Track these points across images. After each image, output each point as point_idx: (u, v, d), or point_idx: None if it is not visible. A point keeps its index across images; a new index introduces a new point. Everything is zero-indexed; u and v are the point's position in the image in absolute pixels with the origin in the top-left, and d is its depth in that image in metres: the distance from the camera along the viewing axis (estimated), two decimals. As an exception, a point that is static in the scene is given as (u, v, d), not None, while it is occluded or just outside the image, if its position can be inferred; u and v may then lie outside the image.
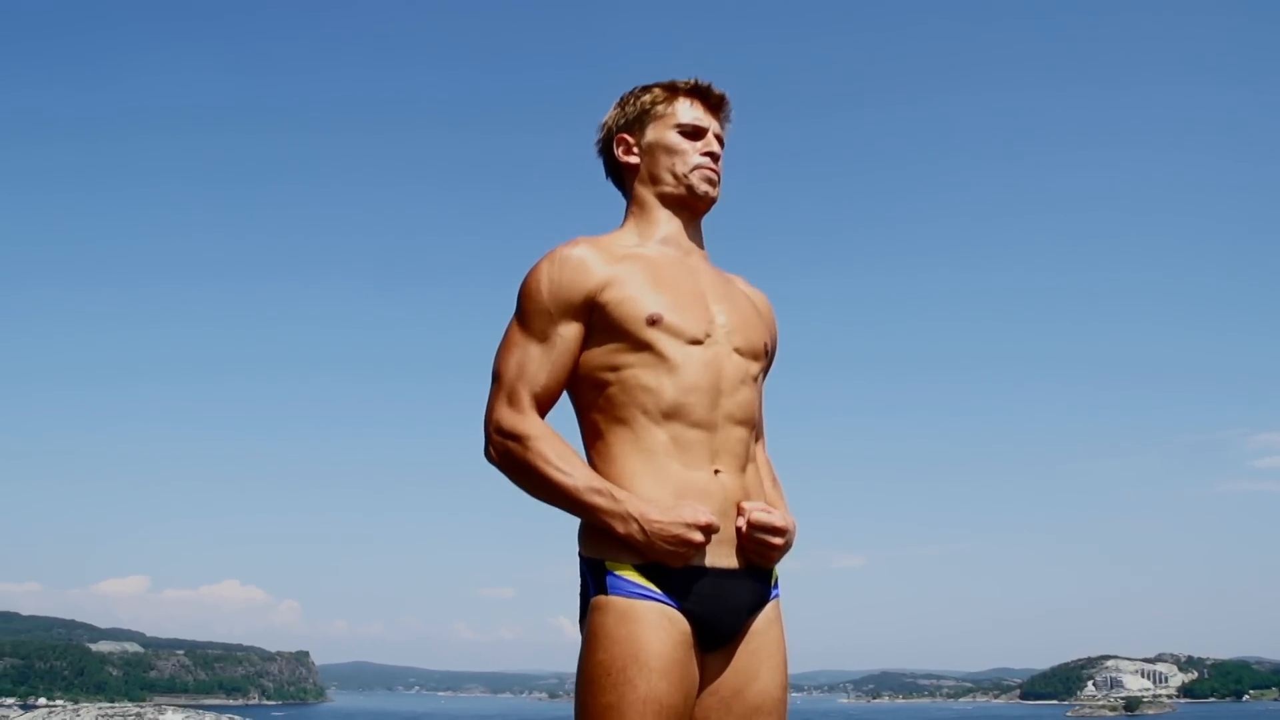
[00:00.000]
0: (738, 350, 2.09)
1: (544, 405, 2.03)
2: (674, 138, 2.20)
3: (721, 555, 1.96)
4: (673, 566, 1.90)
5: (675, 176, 2.18)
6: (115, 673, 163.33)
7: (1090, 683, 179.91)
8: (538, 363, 2.02)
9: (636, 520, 1.88)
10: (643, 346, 2.00)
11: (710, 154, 2.20)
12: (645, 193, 2.21)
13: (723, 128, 2.26)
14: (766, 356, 2.20)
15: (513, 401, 2.00)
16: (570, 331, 2.03)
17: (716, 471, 2.00)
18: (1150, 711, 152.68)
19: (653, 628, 1.86)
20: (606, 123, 2.28)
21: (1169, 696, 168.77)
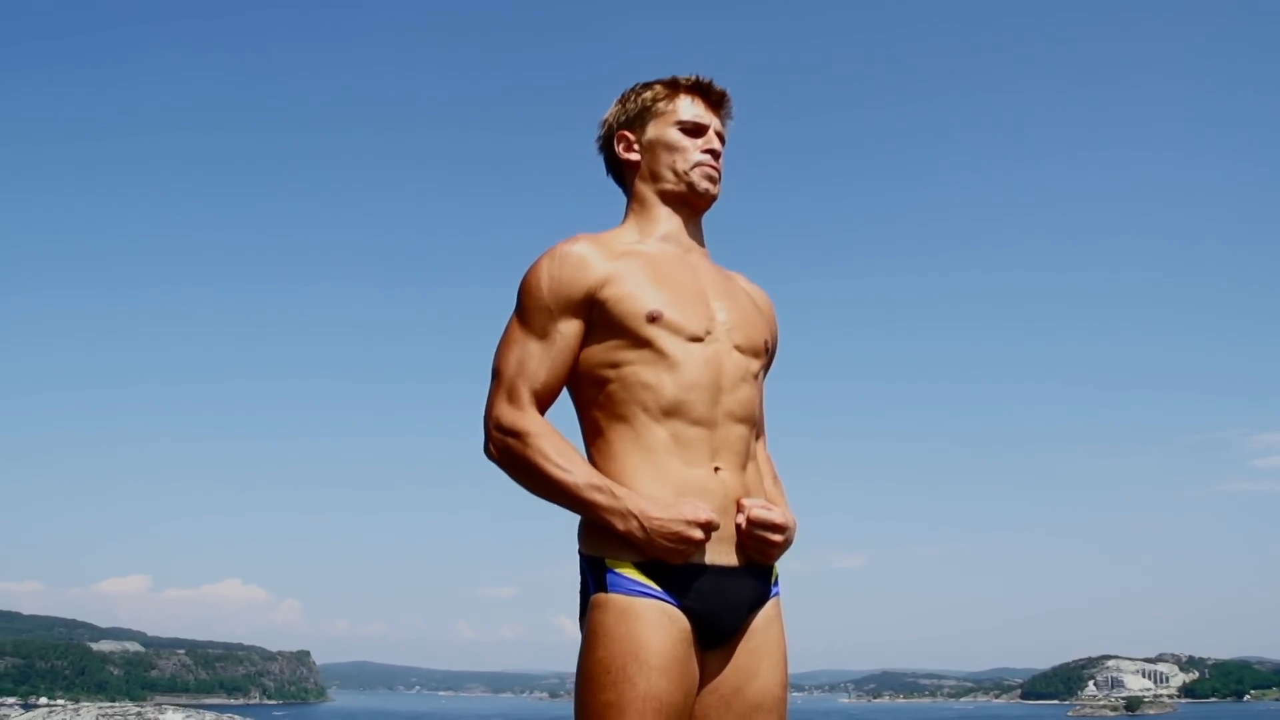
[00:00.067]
0: (738, 347, 2.09)
1: (544, 402, 2.03)
2: (675, 135, 2.19)
3: (721, 553, 1.95)
4: (672, 563, 1.90)
5: (676, 174, 2.18)
6: (116, 672, 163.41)
7: (1091, 683, 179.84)
8: (538, 359, 2.02)
9: (636, 517, 1.88)
10: (643, 343, 2.00)
11: (711, 151, 2.20)
12: (646, 190, 2.21)
13: (724, 125, 2.25)
14: (767, 354, 2.20)
15: (512, 398, 2.00)
16: (570, 328, 2.03)
17: (717, 469, 1.99)
18: (1151, 711, 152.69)
19: (652, 625, 1.86)
20: (607, 119, 2.27)
21: (1170, 696, 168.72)
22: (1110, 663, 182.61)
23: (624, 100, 2.26)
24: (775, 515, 1.98)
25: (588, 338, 2.05)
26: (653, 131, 2.21)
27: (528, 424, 1.98)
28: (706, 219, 2.27)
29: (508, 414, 1.99)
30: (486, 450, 2.02)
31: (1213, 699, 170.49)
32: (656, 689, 1.81)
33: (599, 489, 1.91)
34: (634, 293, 2.02)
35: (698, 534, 1.89)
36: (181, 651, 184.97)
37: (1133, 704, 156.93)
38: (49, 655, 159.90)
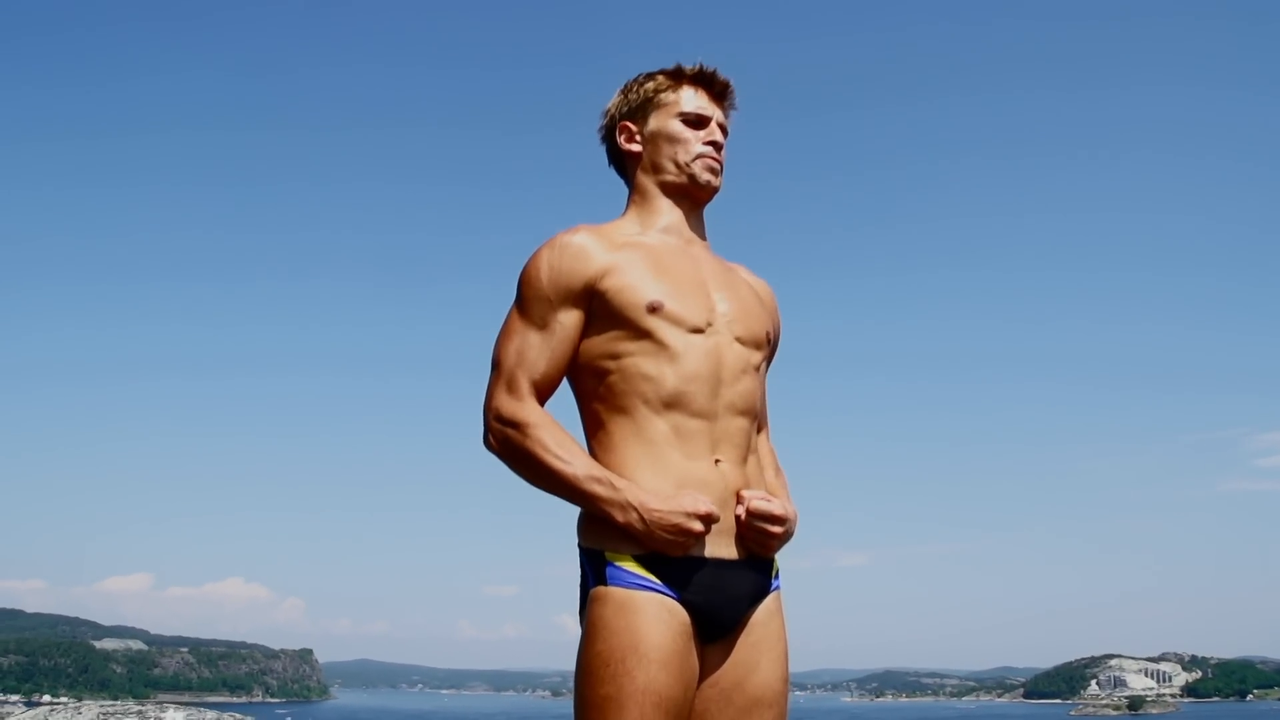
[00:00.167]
0: (739, 339, 2.07)
1: (543, 393, 2.02)
2: (676, 126, 2.17)
3: (721, 546, 1.94)
4: (672, 556, 1.89)
5: (677, 165, 2.16)
6: (119, 670, 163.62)
7: (1094, 682, 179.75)
8: (537, 350, 2.01)
9: (636, 509, 1.87)
10: (643, 334, 1.99)
11: (713, 143, 2.18)
12: (647, 181, 2.19)
13: (726, 116, 2.23)
14: (769, 346, 2.18)
15: (512, 389, 1.99)
16: (570, 319, 2.02)
17: (717, 461, 1.98)
18: (1154, 711, 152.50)
19: (652, 619, 1.84)
20: (609, 110, 2.25)
21: (1173, 696, 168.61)
22: (1113, 662, 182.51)
23: (626, 91, 2.24)
24: (775, 507, 1.97)
25: (588, 329, 2.03)
26: (655, 123, 2.19)
27: (527, 415, 1.96)
28: (708, 214, 2.25)
29: (507, 405, 1.98)
30: (486, 441, 2.01)
31: (1215, 698, 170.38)
32: (656, 682, 1.80)
33: (599, 480, 1.90)
34: (634, 283, 2.00)
35: (697, 526, 1.87)
36: (184, 650, 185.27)
37: (1135, 703, 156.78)
38: (52, 653, 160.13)
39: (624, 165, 2.25)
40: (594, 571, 1.92)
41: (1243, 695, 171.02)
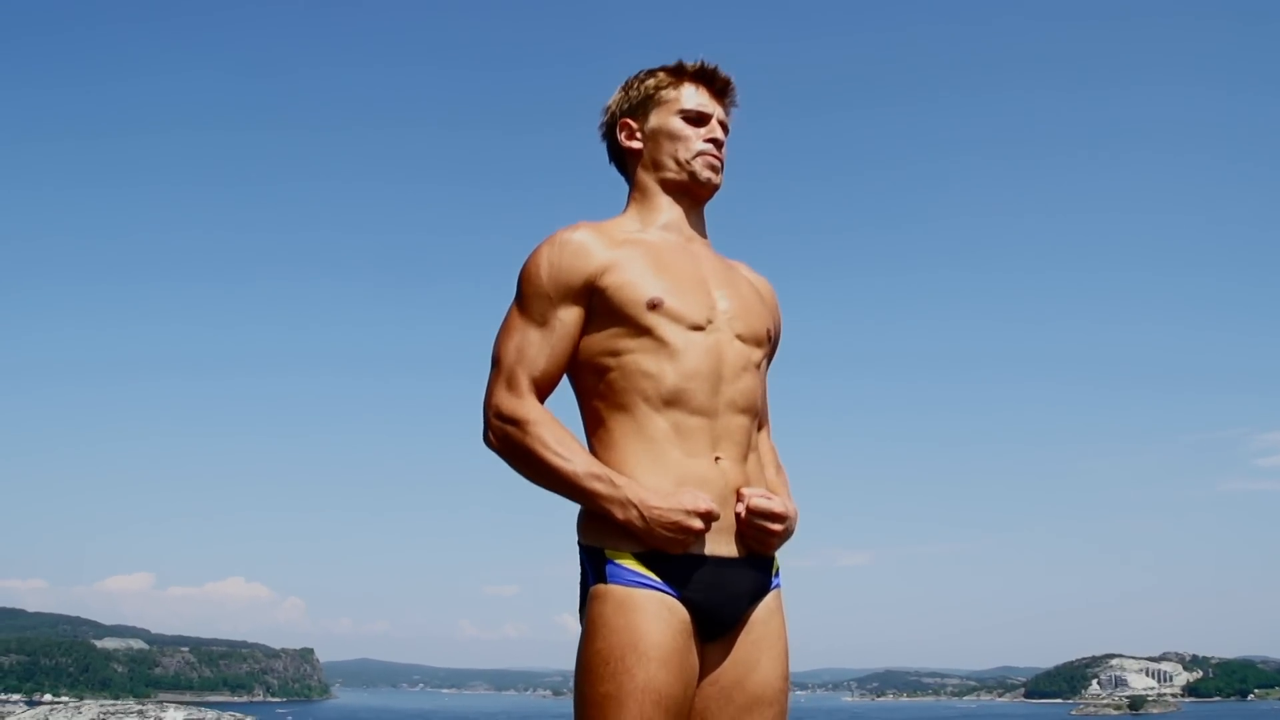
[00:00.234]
0: (739, 337, 2.06)
1: (543, 390, 2.01)
2: (677, 123, 2.17)
3: (721, 543, 1.93)
4: (672, 554, 1.88)
5: (678, 163, 2.16)
6: (120, 669, 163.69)
7: (1095, 681, 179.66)
8: (537, 347, 2.00)
9: (636, 506, 1.87)
10: (643, 331, 1.98)
11: (714, 140, 2.17)
12: (647, 178, 2.19)
13: (727, 113, 2.23)
14: (769, 343, 2.18)
15: (511, 386, 1.98)
16: (570, 316, 2.01)
17: (717, 459, 1.97)
18: (1155, 710, 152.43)
19: (652, 617, 1.84)
20: (610, 107, 2.24)
21: (1174, 695, 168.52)
22: (1114, 662, 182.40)
23: (627, 87, 2.23)
24: (775, 504, 1.96)
25: (588, 326, 2.03)
26: (655, 120, 2.18)
27: (527, 412, 1.96)
28: (709, 211, 2.25)
29: (507, 401, 1.97)
30: (486, 438, 2.00)
31: (1216, 698, 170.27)
32: (656, 680, 1.80)
33: (598, 478, 1.90)
34: (634, 280, 2.00)
35: (697, 524, 1.87)
36: (185, 649, 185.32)
37: (1136, 703, 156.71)
38: (53, 652, 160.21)
39: (624, 162, 2.25)
40: (594, 569, 1.91)
41: (1244, 695, 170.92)
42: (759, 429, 2.18)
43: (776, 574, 2.04)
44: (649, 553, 1.88)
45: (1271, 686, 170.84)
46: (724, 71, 2.21)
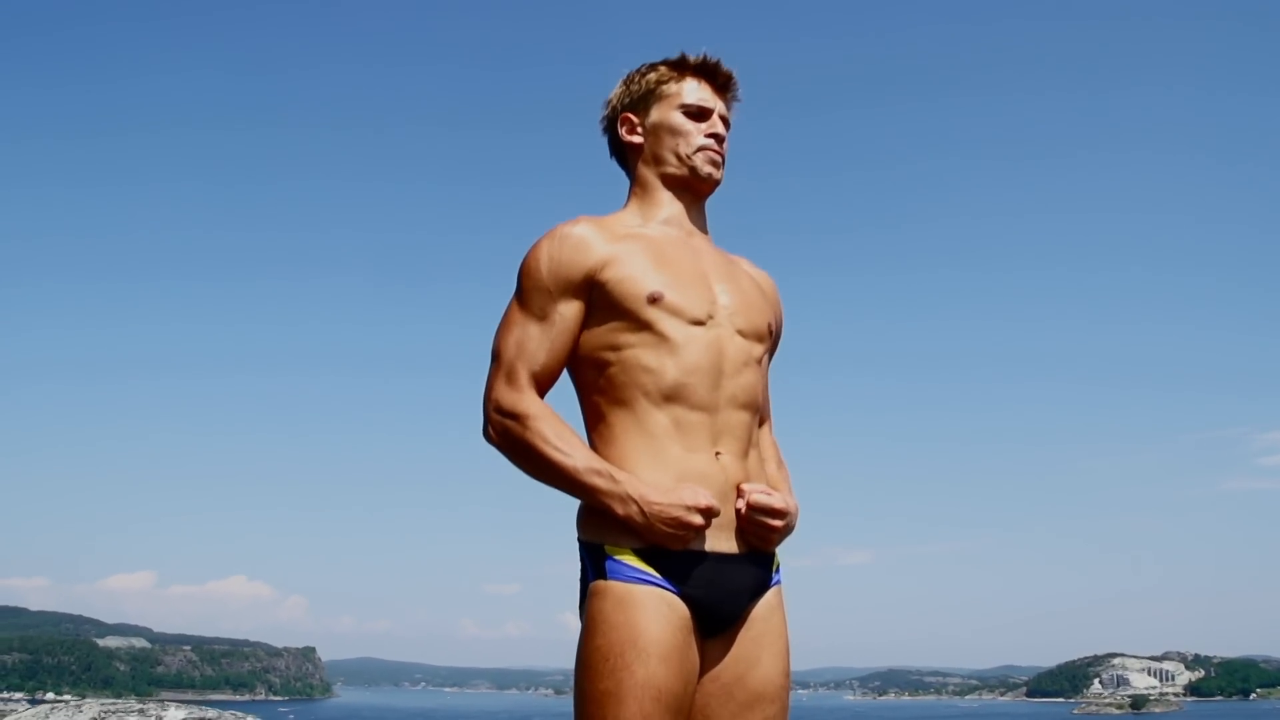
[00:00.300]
0: (740, 332, 2.05)
1: (543, 385, 2.00)
2: (678, 118, 2.15)
3: (721, 539, 1.93)
4: (672, 549, 1.87)
5: (679, 158, 2.15)
6: (123, 668, 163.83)
7: (1097, 680, 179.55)
8: (537, 341, 1.99)
9: (636, 502, 1.86)
10: (643, 326, 1.97)
11: (715, 135, 2.16)
12: (648, 173, 2.18)
13: (729, 108, 2.22)
14: (771, 338, 2.17)
15: (511, 380, 1.97)
16: (570, 310, 2.00)
17: (718, 454, 1.96)
18: (1157, 710, 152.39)
19: (651, 613, 1.83)
20: (611, 101, 2.23)
21: (1176, 695, 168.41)
22: (1116, 661, 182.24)
23: (628, 81, 2.22)
24: (775, 500, 1.96)
25: (588, 320, 2.02)
26: (656, 114, 2.17)
27: (527, 406, 1.95)
28: (710, 207, 2.24)
29: (507, 396, 1.96)
30: (485, 433, 1.99)
31: (1219, 697, 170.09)
32: (655, 677, 1.79)
33: (599, 473, 1.89)
34: (635, 274, 1.99)
35: (698, 519, 1.86)
36: (187, 648, 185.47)
37: (1138, 702, 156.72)
38: (55, 651, 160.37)
39: (625, 156, 2.24)
40: (593, 565, 1.90)
41: (1246, 694, 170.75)
42: (760, 425, 2.17)
43: (777, 570, 2.04)
44: (649, 549, 1.87)
45: (1274, 686, 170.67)
46: (726, 66, 2.20)
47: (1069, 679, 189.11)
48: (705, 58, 2.19)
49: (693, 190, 2.17)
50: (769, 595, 2.00)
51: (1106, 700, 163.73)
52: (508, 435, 1.95)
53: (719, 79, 2.20)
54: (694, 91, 2.17)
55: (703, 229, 2.20)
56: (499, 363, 2.00)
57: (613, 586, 1.86)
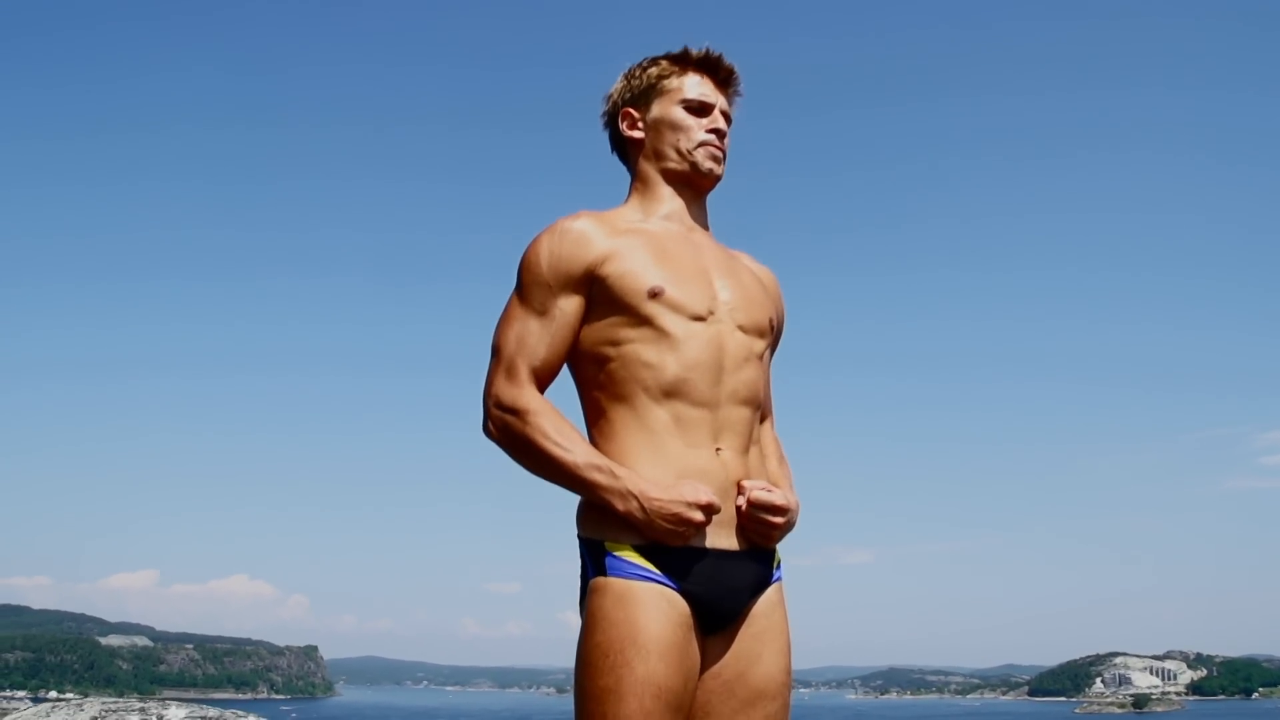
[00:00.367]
0: (741, 327, 2.04)
1: (543, 380, 1.99)
2: (679, 114, 2.14)
3: (722, 536, 1.92)
4: (672, 546, 1.87)
5: (680, 153, 2.14)
6: (125, 667, 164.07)
7: (1099, 680, 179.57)
8: (537, 336, 1.98)
9: (636, 497, 1.85)
10: (644, 321, 1.96)
11: (716, 131, 2.15)
12: (649, 168, 2.17)
13: (730, 103, 2.21)
14: (772, 334, 2.16)
15: (511, 375, 1.96)
16: (570, 305, 1.99)
17: (718, 451, 1.96)
18: (1159, 709, 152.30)
19: (651, 610, 1.82)
20: (612, 95, 2.22)
21: (1178, 694, 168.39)
22: (1118, 660, 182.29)
23: (629, 76, 2.21)
24: (776, 497, 1.95)
25: (588, 315, 2.01)
26: (657, 109, 2.16)
27: (527, 401, 1.94)
28: (711, 202, 2.23)
29: (507, 391, 1.95)
30: (485, 428, 1.98)
31: (1221, 696, 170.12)
32: (655, 673, 1.78)
33: (599, 469, 1.88)
34: (635, 269, 1.98)
35: (698, 516, 1.85)
36: (190, 646, 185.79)
37: (1140, 701, 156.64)
38: (58, 650, 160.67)
39: (626, 152, 2.23)
40: (593, 562, 1.90)
41: (1248, 693, 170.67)
42: (762, 421, 2.16)
43: (778, 567, 2.03)
44: (649, 545, 1.86)
45: (1276, 685, 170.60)
46: (728, 60, 2.19)
47: (1071, 678, 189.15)
48: (707, 52, 2.17)
49: (694, 186, 2.16)
50: (770, 592, 1.99)
51: (1109, 699, 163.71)
52: (508, 430, 1.94)
53: (721, 74, 2.19)
54: (695, 86, 2.16)
55: (704, 224, 2.19)
56: (499, 358, 1.99)
57: (613, 583, 1.85)
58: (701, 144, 2.13)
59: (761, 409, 2.11)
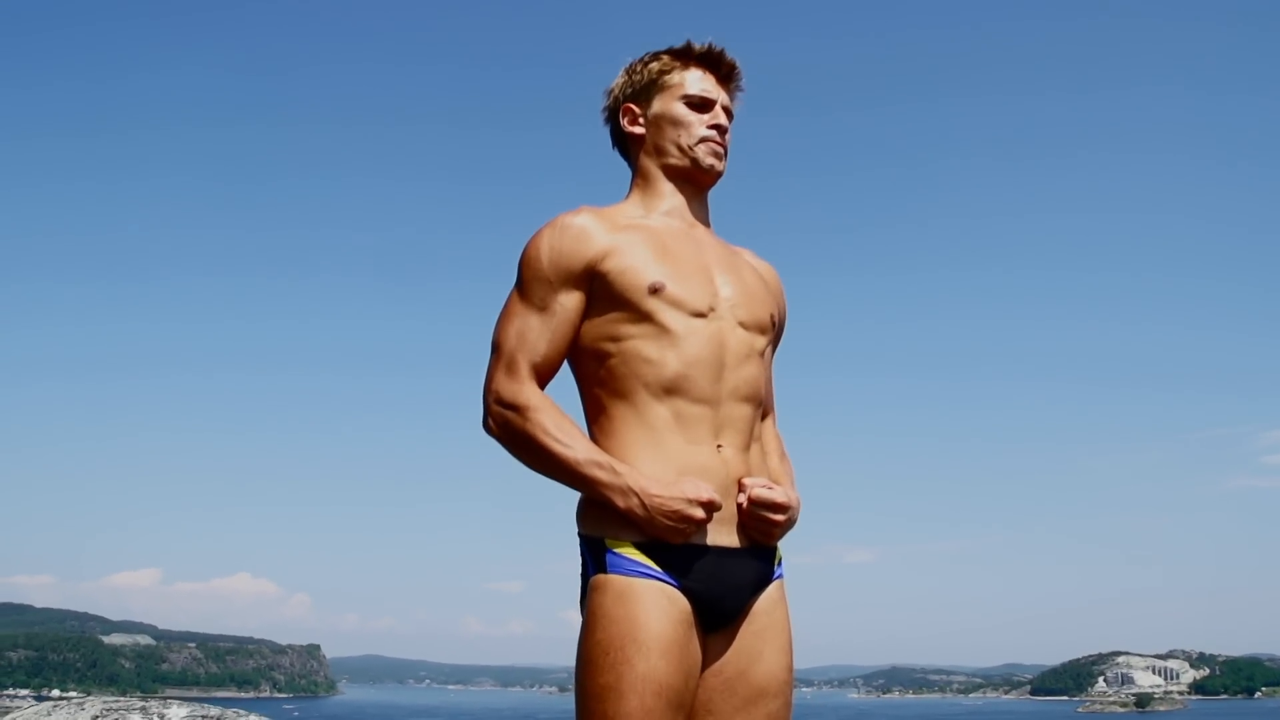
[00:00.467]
0: (742, 324, 2.03)
1: (543, 376, 1.98)
2: (680, 109, 2.13)
3: (723, 533, 1.91)
4: (673, 543, 1.86)
5: (680, 149, 2.12)
6: (128, 665, 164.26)
7: (1101, 679, 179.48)
8: (537, 332, 1.97)
9: (637, 494, 1.84)
10: (644, 317, 1.95)
11: (717, 126, 2.14)
12: (650, 164, 2.16)
13: (732, 99, 2.19)
14: (773, 330, 2.15)
15: (511, 371, 1.95)
16: (571, 301, 1.98)
17: (719, 448, 1.95)
18: (1162, 708, 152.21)
19: (652, 607, 1.82)
20: (613, 90, 2.21)
21: (1180, 693, 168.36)
22: (1120, 659, 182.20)
23: (630, 71, 2.19)
24: (777, 495, 1.94)
25: (589, 311, 2.00)
26: (658, 105, 2.15)
27: (527, 398, 1.93)
28: (712, 198, 2.22)
29: (507, 387, 1.95)
30: (485, 424, 1.98)
31: (1223, 695, 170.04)
32: (656, 671, 1.78)
33: (599, 465, 1.87)
34: (636, 265, 1.97)
35: (699, 513, 1.85)
36: (192, 645, 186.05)
37: (1143, 700, 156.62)
38: (61, 648, 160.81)
39: (627, 147, 2.21)
40: (594, 559, 1.89)
41: (1250, 692, 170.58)
42: (763, 418, 2.15)
43: (779, 564, 2.02)
44: (650, 542, 1.86)
45: (1278, 684, 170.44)
46: (730, 55, 2.17)
47: (1073, 677, 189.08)
48: (710, 47, 2.16)
49: (695, 182, 2.15)
50: (771, 589, 1.99)
51: (1111, 699, 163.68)
52: (508, 427, 1.93)
53: (722, 69, 2.17)
54: (697, 82, 2.14)
55: (705, 221, 2.18)
56: (499, 354, 1.98)
57: (613, 580, 1.84)
58: (703, 140, 2.12)
59: (763, 406, 2.10)
